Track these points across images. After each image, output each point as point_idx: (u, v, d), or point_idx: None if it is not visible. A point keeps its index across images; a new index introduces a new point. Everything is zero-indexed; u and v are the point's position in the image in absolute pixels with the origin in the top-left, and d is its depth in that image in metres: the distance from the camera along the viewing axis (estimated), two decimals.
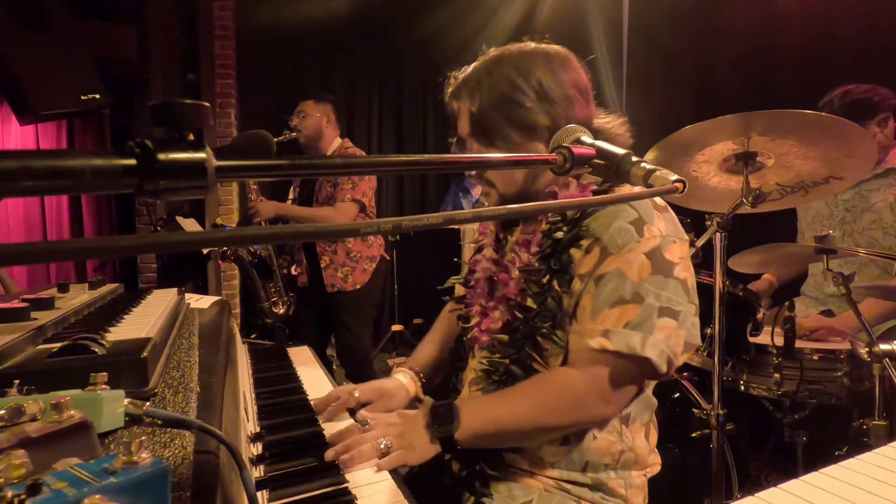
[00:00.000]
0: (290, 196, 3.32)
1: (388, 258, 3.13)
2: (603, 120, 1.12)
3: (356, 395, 1.19)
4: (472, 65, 1.12)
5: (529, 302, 1.05)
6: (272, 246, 3.32)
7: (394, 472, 0.95)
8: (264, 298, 3.38)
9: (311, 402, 1.22)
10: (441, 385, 1.30)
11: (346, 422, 1.18)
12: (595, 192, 1.06)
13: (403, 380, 1.28)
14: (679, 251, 0.99)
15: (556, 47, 1.11)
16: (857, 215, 2.13)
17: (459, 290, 1.31)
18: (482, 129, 1.08)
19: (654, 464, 1.13)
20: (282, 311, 3.41)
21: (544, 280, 1.03)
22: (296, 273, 3.18)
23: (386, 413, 1.05)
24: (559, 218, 1.05)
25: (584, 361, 0.97)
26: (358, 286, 2.91)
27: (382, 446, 0.94)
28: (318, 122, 2.92)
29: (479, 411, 0.99)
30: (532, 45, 1.10)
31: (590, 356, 0.96)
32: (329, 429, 1.13)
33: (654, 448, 1.14)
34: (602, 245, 0.97)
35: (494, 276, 1.17)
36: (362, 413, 1.06)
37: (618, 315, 0.94)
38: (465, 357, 1.25)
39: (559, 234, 1.03)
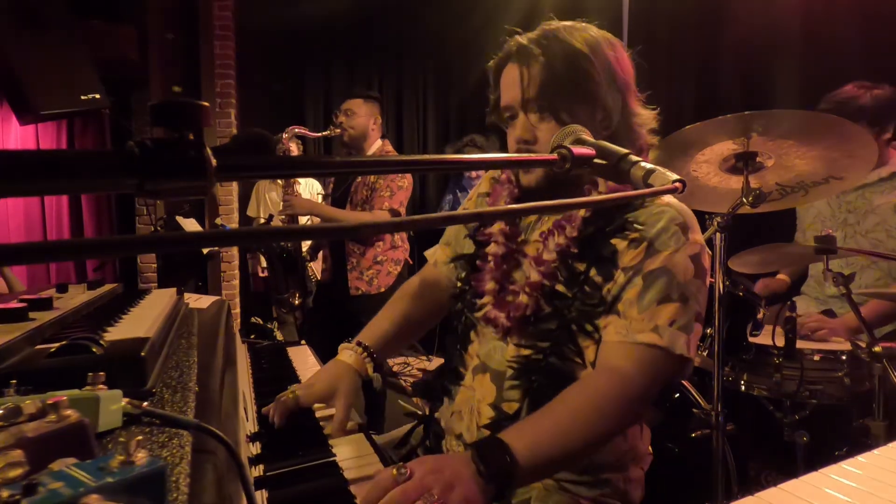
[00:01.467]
0: (324, 192, 3.31)
1: (410, 262, 3.08)
2: (641, 112, 1.08)
3: (293, 398, 1.07)
4: (537, 30, 1.05)
5: (560, 288, 1.01)
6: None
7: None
8: (284, 290, 3.40)
9: (265, 409, 1.08)
10: (441, 371, 1.20)
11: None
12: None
13: (349, 360, 1.15)
14: (709, 262, 1.01)
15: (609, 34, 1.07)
16: (861, 217, 2.13)
17: (444, 271, 1.24)
18: (552, 95, 1.00)
19: (648, 455, 1.14)
20: (297, 302, 3.44)
21: (580, 266, 1.00)
22: (323, 267, 3.17)
23: (424, 458, 0.85)
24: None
25: (633, 354, 0.94)
26: (382, 289, 2.87)
27: None
28: (365, 122, 2.90)
29: (533, 438, 0.86)
30: (592, 27, 1.06)
31: (638, 350, 0.93)
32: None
33: (648, 441, 1.14)
34: (649, 240, 0.96)
35: (512, 253, 1.10)
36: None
37: (666, 313, 0.94)
38: (463, 340, 1.15)
39: (602, 222, 1.00)
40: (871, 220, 2.10)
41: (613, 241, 0.98)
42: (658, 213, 0.98)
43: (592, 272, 0.99)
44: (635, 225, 0.98)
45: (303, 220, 3.39)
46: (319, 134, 2.96)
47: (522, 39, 1.05)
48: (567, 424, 0.88)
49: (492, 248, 1.12)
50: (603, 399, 0.91)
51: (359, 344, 1.19)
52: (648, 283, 0.95)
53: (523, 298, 1.03)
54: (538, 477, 0.89)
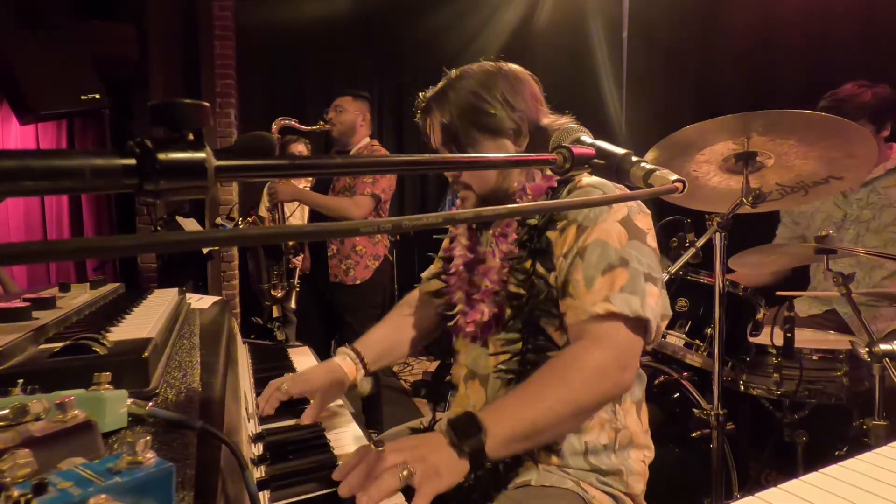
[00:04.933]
0: (306, 182, 3.32)
1: (390, 259, 3.11)
2: (552, 119, 1.17)
3: (284, 387, 1.16)
4: (438, 85, 1.19)
5: (514, 289, 1.09)
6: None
7: None
8: (266, 280, 3.40)
9: (257, 402, 1.17)
10: (435, 381, 1.30)
11: (349, 428, 1.18)
12: (559, 182, 1.13)
13: (342, 363, 1.25)
14: (645, 222, 1.06)
15: (513, 66, 1.18)
16: (878, 211, 2.12)
17: (433, 286, 1.33)
18: (453, 138, 1.15)
19: (648, 447, 1.15)
20: (280, 294, 3.44)
21: (527, 265, 1.08)
22: (297, 262, 3.15)
23: (403, 437, 0.92)
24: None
25: (592, 330, 0.98)
26: (358, 282, 2.91)
27: (404, 474, 0.79)
28: (353, 118, 2.94)
29: (504, 414, 0.90)
30: (490, 64, 1.18)
31: (596, 324, 0.97)
32: (329, 430, 1.14)
33: (647, 428, 1.16)
34: (577, 223, 1.04)
35: (473, 263, 1.21)
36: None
37: (610, 281, 0.98)
38: (452, 351, 1.25)
39: (533, 221, 1.09)
40: (890, 214, 2.09)
41: (547, 233, 1.07)
42: (580, 195, 1.07)
43: (537, 266, 1.07)
44: (561, 214, 1.07)
45: (289, 207, 3.39)
46: (309, 128, 2.98)
47: (424, 97, 1.20)
48: (536, 400, 0.92)
49: (456, 261, 1.24)
50: (569, 375, 0.95)
51: (353, 350, 1.29)
52: (587, 258, 1.01)
53: (483, 307, 1.13)
54: (511, 450, 0.93)
